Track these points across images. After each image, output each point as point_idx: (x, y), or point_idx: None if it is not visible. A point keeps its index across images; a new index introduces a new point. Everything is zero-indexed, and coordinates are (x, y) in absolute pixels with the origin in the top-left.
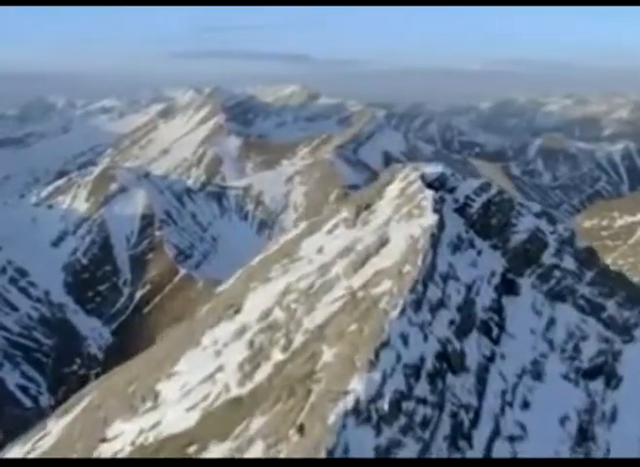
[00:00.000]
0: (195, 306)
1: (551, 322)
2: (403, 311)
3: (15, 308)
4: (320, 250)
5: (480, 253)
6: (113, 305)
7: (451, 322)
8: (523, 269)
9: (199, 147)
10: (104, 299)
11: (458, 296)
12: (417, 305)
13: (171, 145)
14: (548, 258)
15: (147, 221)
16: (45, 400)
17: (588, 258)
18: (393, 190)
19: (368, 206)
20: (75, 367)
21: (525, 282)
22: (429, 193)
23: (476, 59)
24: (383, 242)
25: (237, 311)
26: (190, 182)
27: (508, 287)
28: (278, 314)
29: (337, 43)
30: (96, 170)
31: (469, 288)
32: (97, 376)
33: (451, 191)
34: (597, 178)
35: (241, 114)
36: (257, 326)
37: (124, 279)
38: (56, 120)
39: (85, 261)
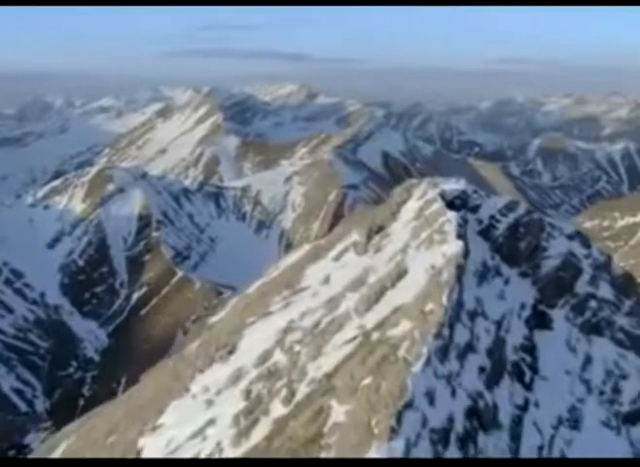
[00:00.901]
0: (192, 308)
1: (588, 360)
2: (428, 362)
3: (10, 310)
4: (326, 280)
5: (507, 282)
6: (109, 307)
7: (481, 369)
8: (556, 300)
9: (197, 147)
10: (100, 300)
11: (488, 337)
12: (444, 352)
13: (169, 145)
14: (582, 286)
15: (144, 222)
16: (40, 403)
17: (626, 285)
18: (409, 210)
19: (381, 229)
20: (71, 370)
21: (558, 314)
22: (452, 215)
23: (474, 59)
24: (400, 273)
25: (232, 352)
26: (187, 182)
27: (539, 321)
28: (279, 358)
29: (336, 41)
30: (93, 171)
31: (498, 325)
32: (94, 379)
33: (474, 210)
34: (597, 178)
35: (239, 113)
36: (254, 371)
37: (120, 281)
38: (54, 119)
39: (81, 262)
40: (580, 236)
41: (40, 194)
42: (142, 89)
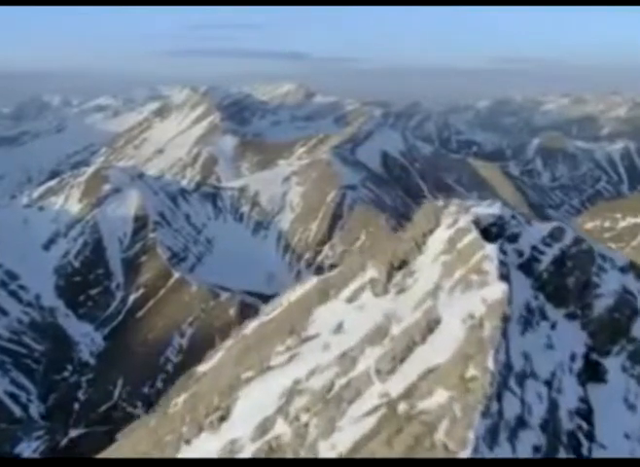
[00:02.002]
0: (189, 311)
1: None
2: (475, 450)
3: (4, 313)
4: (339, 328)
5: (554, 327)
6: (105, 310)
7: (536, 449)
8: (610, 346)
9: (194, 146)
10: (96, 303)
11: (540, 404)
12: (493, 433)
13: (166, 144)
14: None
15: (140, 223)
16: (35, 408)
17: None
18: (438, 241)
19: (403, 264)
20: (66, 373)
21: (613, 364)
22: (491, 249)
23: (474, 58)
24: (431, 324)
25: (224, 418)
26: (184, 182)
27: (592, 373)
28: (283, 430)
29: (334, 41)
30: (89, 171)
31: (549, 385)
32: (89, 382)
33: (513, 239)
34: (598, 178)
35: (237, 113)
36: (252, 446)
37: (116, 283)
38: (51, 118)
39: (76, 264)
40: (634, 269)
41: (35, 194)
42: (139, 87)
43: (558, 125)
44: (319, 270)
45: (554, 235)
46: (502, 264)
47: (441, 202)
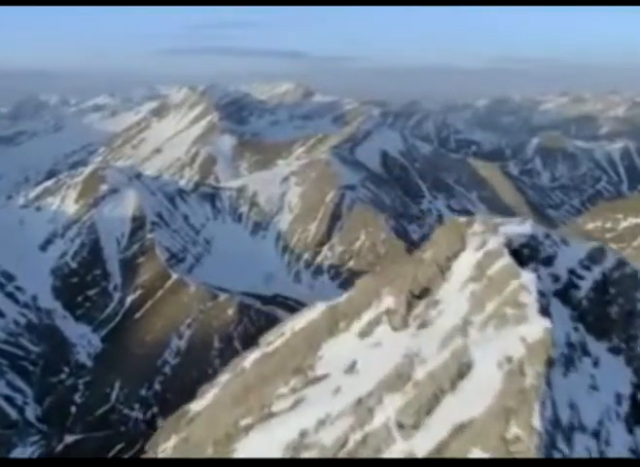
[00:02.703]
0: (188, 312)
1: None
2: None
3: (0, 314)
4: (352, 368)
5: (597, 363)
6: (103, 311)
7: None
8: None
9: (193, 146)
10: (94, 304)
11: None
12: None
13: (164, 144)
14: None
15: (138, 223)
16: (31, 411)
17: None
18: (465, 266)
19: (425, 292)
20: (63, 376)
21: None
22: (529, 278)
23: (471, 57)
24: (462, 368)
25: None
26: (183, 182)
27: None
28: None
29: (333, 39)
30: (86, 171)
31: (597, 437)
32: (86, 385)
33: (548, 262)
34: (598, 178)
35: (235, 112)
36: None
37: (114, 284)
38: (48, 118)
39: (74, 264)
40: None
41: (32, 194)
42: (138, 87)
43: (557, 125)
44: (318, 271)
45: (594, 257)
46: (541, 294)
47: (463, 219)
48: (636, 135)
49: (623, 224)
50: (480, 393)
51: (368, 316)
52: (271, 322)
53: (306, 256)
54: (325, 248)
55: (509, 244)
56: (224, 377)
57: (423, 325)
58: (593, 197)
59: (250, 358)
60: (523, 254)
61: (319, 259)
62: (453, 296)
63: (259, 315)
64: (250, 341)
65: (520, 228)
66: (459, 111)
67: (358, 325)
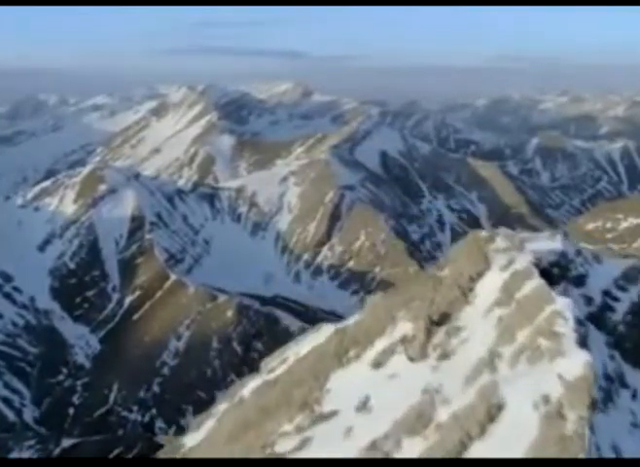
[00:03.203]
0: (186, 313)
1: None
2: None
3: None
4: (364, 404)
5: (635, 396)
6: (101, 312)
7: None
8: None
9: (192, 146)
10: (92, 305)
11: None
12: None
13: (163, 144)
14: None
15: (136, 223)
16: (29, 412)
17: None
18: (489, 288)
19: (446, 318)
20: (61, 377)
21: None
22: (564, 303)
23: (470, 57)
24: (492, 410)
25: None
26: (182, 182)
27: None
28: None
29: (332, 39)
30: (84, 171)
31: None
32: (84, 386)
33: (579, 282)
34: (598, 178)
35: (235, 111)
36: None
37: (112, 285)
38: (47, 118)
39: (72, 265)
40: None
41: (30, 194)
42: (137, 86)
43: (556, 124)
44: (318, 271)
45: (630, 276)
46: (579, 323)
47: (484, 234)
48: (636, 135)
49: (624, 224)
50: (513, 440)
51: (381, 344)
52: (271, 323)
53: (306, 256)
54: (324, 248)
55: (538, 263)
56: (221, 406)
57: (444, 356)
58: (594, 198)
59: (250, 386)
60: (553, 273)
61: (319, 259)
62: (478, 322)
63: (258, 316)
64: (249, 343)
65: (549, 244)
66: (458, 110)
67: (370, 354)
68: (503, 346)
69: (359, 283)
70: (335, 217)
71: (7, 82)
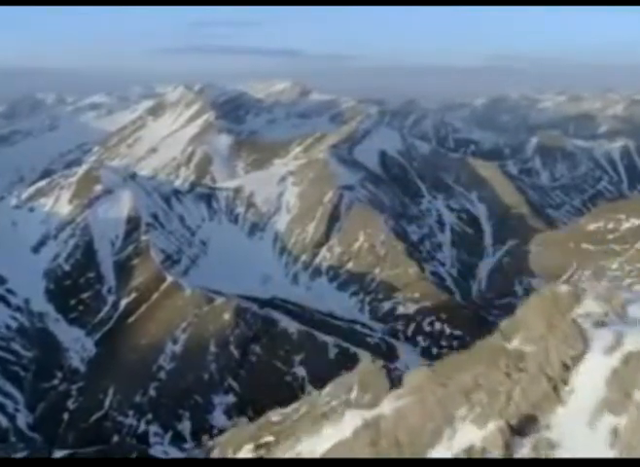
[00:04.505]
0: (183, 316)
1: None
2: None
3: None
4: None
5: None
6: (96, 314)
7: None
8: None
9: (189, 145)
10: (87, 307)
11: None
12: None
13: (160, 143)
14: None
15: (132, 224)
16: (22, 418)
17: None
18: (592, 380)
19: (530, 424)
20: (55, 381)
21: None
22: None
23: (469, 56)
24: None
25: None
26: (179, 182)
27: None
28: None
29: (330, 38)
30: (80, 171)
31: None
32: (79, 391)
33: None
34: (599, 178)
35: (232, 111)
36: None
37: (108, 286)
38: (44, 117)
39: (67, 267)
40: None
41: (25, 195)
42: (134, 85)
43: (555, 123)
44: (316, 272)
45: None
46: None
47: (564, 289)
48: (635, 134)
49: (626, 225)
50: None
51: (437, 455)
52: (268, 325)
53: (304, 257)
54: (323, 249)
55: None
56: None
57: None
58: (594, 198)
59: None
60: None
61: (317, 260)
62: (580, 434)
63: (255, 319)
64: (247, 346)
65: None
66: (457, 110)
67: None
68: None
69: (358, 284)
70: (333, 217)
71: (5, 81)
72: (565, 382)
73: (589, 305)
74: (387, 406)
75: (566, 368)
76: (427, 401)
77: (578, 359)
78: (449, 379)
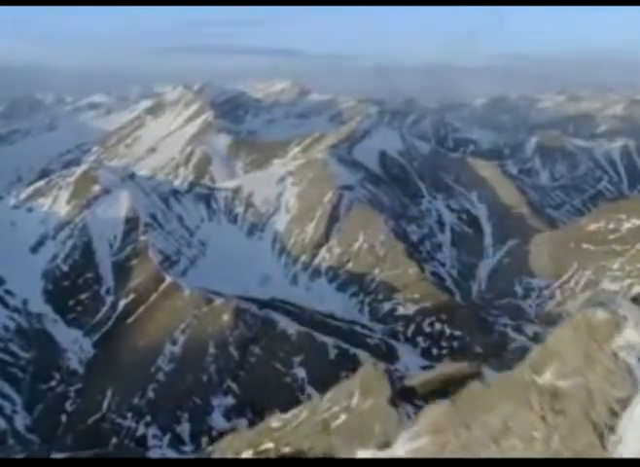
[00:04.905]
0: (182, 317)
1: None
2: None
3: None
4: None
5: None
6: (95, 315)
7: None
8: None
9: (188, 145)
10: (85, 308)
11: None
12: None
13: (159, 143)
14: None
15: (131, 225)
16: (20, 420)
17: None
18: None
19: None
20: (53, 383)
21: None
22: None
23: (468, 55)
24: None
25: None
26: (177, 182)
27: None
28: None
29: (329, 38)
30: (78, 171)
31: None
32: (77, 392)
33: None
34: (599, 178)
35: (231, 110)
36: None
37: (106, 287)
38: (43, 116)
39: (65, 267)
40: None
41: (23, 195)
42: (133, 85)
43: (555, 123)
44: (316, 273)
45: None
46: None
47: (602, 316)
48: (635, 134)
49: (627, 225)
50: None
51: None
52: (268, 326)
53: (304, 258)
54: (323, 250)
55: None
56: None
57: None
58: (595, 198)
59: None
60: None
61: (317, 261)
62: None
63: (255, 320)
64: (246, 347)
65: None
66: (456, 109)
67: None
68: None
69: (358, 285)
70: (333, 218)
71: (3, 80)
72: (612, 430)
73: (631, 335)
74: (401, 447)
75: (612, 413)
76: (450, 445)
77: (626, 403)
78: (474, 420)
